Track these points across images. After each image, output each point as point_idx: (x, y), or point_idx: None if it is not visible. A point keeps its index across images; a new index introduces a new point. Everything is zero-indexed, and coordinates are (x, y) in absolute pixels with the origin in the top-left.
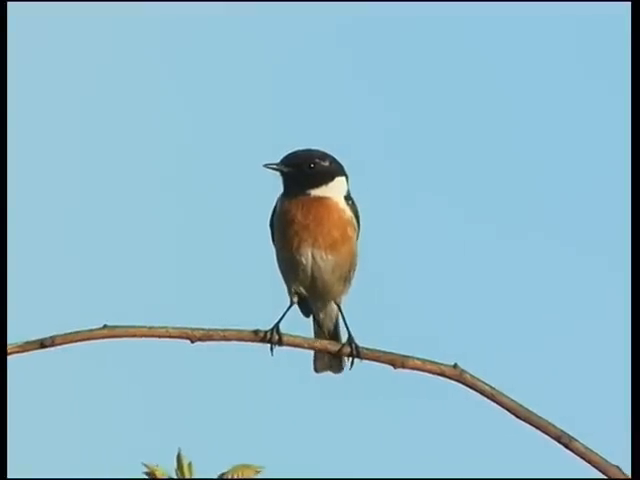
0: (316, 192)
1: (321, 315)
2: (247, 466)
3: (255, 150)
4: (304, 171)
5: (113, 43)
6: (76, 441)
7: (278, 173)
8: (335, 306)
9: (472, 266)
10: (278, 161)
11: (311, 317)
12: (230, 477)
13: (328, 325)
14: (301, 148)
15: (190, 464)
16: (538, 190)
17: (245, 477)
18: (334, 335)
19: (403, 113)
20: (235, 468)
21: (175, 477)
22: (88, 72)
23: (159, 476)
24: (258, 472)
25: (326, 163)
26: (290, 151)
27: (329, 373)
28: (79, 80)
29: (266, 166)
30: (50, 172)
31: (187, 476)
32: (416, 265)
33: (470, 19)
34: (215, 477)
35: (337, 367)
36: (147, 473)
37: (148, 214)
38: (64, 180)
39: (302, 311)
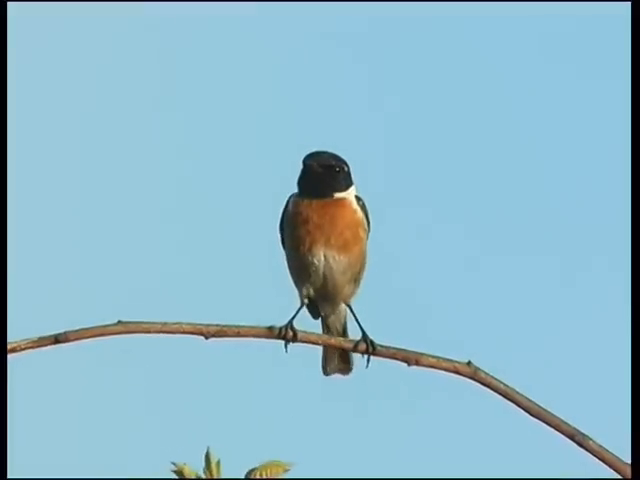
0: (335, 195)
1: (330, 318)
2: (276, 463)
3: (258, 149)
4: (332, 174)
5: (113, 43)
6: (92, 439)
7: (304, 169)
8: (344, 309)
9: (486, 264)
10: (305, 157)
11: (320, 319)
12: (259, 474)
13: (337, 327)
14: (321, 150)
15: (218, 462)
16: (550, 194)
17: (274, 474)
18: (343, 337)
19: (402, 113)
20: (264, 465)
21: (204, 477)
22: (88, 72)
23: (187, 475)
24: (287, 470)
25: (347, 169)
26: (317, 150)
27: (338, 375)
28: (79, 80)
29: (306, 162)
30: (57, 169)
31: (215, 475)
32: (429, 263)
33: (470, 19)
34: (244, 475)
35: (346, 369)
36: (175, 472)
37: (161, 212)
38: (74, 178)
39: (311, 313)
